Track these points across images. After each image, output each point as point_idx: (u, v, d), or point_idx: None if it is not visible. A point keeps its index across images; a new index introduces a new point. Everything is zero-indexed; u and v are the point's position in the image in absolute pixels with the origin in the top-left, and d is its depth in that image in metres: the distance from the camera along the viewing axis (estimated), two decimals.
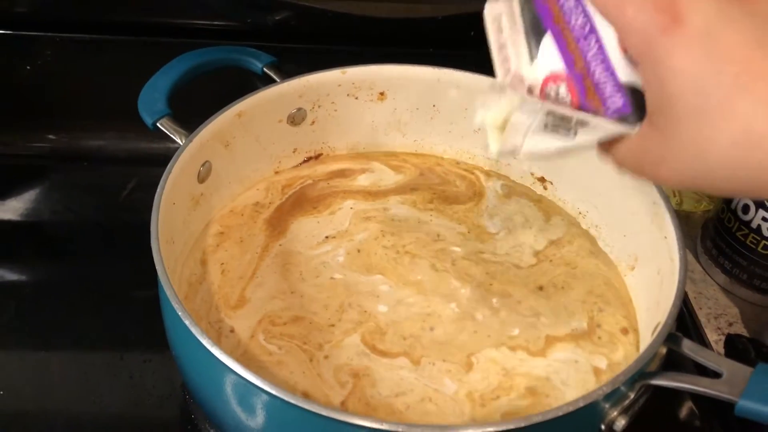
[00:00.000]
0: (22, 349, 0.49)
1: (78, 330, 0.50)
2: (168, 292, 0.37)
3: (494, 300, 0.46)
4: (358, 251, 0.49)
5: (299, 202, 0.53)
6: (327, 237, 0.50)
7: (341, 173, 0.55)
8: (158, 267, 0.39)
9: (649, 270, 0.46)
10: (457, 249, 0.50)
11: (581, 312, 0.46)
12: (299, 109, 0.53)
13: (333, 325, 0.44)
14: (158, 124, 0.48)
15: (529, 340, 0.44)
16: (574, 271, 0.49)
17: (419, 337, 0.44)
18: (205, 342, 0.35)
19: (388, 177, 0.55)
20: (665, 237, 0.43)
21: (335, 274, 0.47)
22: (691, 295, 0.53)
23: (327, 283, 0.47)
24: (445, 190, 0.55)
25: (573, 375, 0.42)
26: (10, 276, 0.54)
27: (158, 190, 0.42)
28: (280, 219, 0.51)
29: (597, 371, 0.43)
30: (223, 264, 0.48)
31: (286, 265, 0.48)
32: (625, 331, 0.45)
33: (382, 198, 0.53)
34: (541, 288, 0.47)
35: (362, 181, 0.55)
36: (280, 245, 0.49)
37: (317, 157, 0.57)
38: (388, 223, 0.51)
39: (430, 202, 0.53)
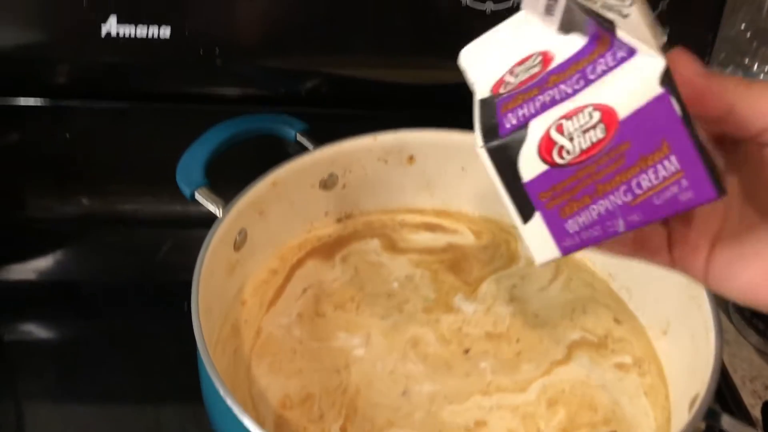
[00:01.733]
0: (63, 407, 0.50)
1: (115, 388, 0.51)
2: (209, 368, 0.38)
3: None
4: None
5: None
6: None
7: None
8: (199, 343, 0.40)
9: (682, 335, 0.46)
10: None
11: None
12: (331, 175, 0.54)
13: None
14: (196, 195, 0.49)
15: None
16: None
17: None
18: (245, 421, 0.35)
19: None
20: (699, 306, 0.43)
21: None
22: (725, 358, 0.53)
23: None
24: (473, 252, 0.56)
25: None
26: (50, 335, 0.56)
27: (197, 263, 0.44)
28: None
29: None
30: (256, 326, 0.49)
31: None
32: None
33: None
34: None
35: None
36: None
37: (348, 217, 0.58)
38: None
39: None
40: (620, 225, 0.30)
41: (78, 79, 0.57)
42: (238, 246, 0.49)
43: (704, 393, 0.37)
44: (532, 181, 0.30)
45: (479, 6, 0.53)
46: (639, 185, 0.29)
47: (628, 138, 0.28)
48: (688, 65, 0.29)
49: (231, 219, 0.47)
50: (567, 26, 0.31)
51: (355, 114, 0.59)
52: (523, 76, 0.32)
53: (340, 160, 0.54)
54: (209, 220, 0.47)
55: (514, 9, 0.52)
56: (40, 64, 0.55)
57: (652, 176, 0.29)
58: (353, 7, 0.53)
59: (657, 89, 0.27)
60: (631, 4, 0.30)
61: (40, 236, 0.63)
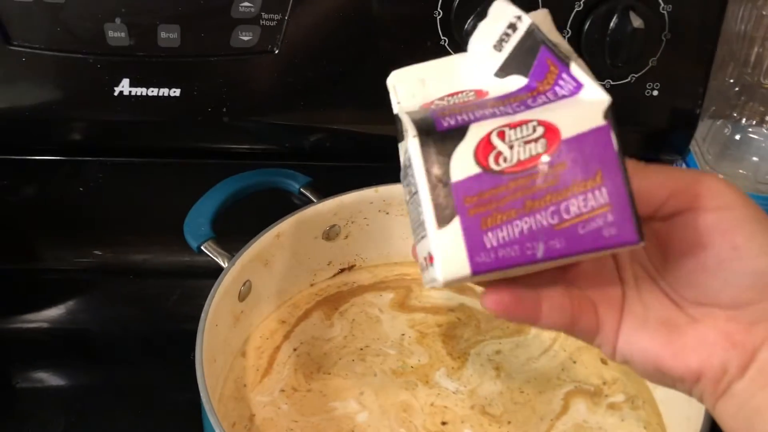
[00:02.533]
0: None
1: None
2: (212, 419, 0.39)
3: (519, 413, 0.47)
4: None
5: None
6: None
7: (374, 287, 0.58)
8: (202, 393, 0.41)
9: None
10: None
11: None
12: (333, 226, 0.56)
13: None
14: (203, 248, 0.51)
15: None
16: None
17: None
18: None
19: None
20: None
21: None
22: None
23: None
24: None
25: None
26: (60, 384, 0.57)
27: (203, 314, 0.45)
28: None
29: None
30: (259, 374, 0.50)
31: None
32: None
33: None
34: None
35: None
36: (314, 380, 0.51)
37: (350, 268, 0.59)
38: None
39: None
40: (540, 250, 0.29)
41: (91, 136, 0.60)
42: (242, 297, 0.51)
43: None
44: (461, 183, 0.29)
45: None
46: (567, 209, 0.29)
47: (566, 159, 0.29)
48: None
49: (236, 270, 0.49)
50: (509, 67, 0.31)
51: (357, 167, 0.61)
52: (455, 101, 0.32)
53: (343, 212, 0.56)
54: (216, 270, 0.49)
55: None
56: (55, 122, 0.58)
57: (582, 203, 0.29)
58: (355, 65, 0.55)
59: (600, 121, 0.28)
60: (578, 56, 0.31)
61: (52, 286, 0.65)
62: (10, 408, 0.54)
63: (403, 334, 0.53)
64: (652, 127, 0.59)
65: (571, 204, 0.29)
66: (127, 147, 0.61)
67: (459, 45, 0.54)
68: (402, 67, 0.35)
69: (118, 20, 0.52)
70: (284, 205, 0.58)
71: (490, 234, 0.29)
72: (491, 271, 0.29)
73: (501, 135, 0.29)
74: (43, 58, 0.53)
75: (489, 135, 0.29)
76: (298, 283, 0.56)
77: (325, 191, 0.56)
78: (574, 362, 0.51)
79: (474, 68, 0.33)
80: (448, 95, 0.32)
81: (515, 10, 0.32)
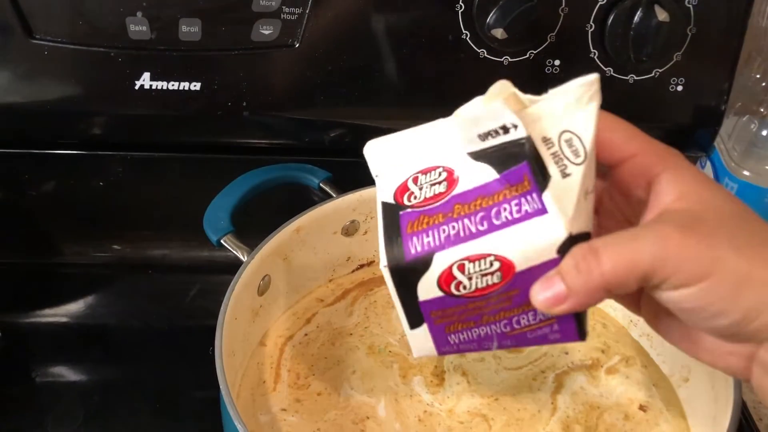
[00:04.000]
0: None
1: (141, 430, 0.52)
2: (231, 411, 0.39)
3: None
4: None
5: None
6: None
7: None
8: (222, 387, 0.40)
9: (703, 383, 0.46)
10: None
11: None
12: (353, 221, 0.55)
13: None
14: (222, 242, 0.51)
15: None
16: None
17: None
18: None
19: None
20: None
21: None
22: (749, 405, 0.53)
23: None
24: None
25: None
26: (79, 378, 0.57)
27: (222, 307, 0.45)
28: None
29: None
30: (279, 369, 0.49)
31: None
32: None
33: None
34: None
35: None
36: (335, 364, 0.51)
37: (369, 264, 0.59)
38: None
39: None
40: (494, 345, 0.35)
41: (112, 130, 0.60)
42: (261, 291, 0.50)
43: None
44: (427, 302, 0.34)
45: (497, 58, 0.54)
46: (518, 322, 0.33)
47: (519, 287, 0.32)
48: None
49: (255, 264, 0.48)
50: (485, 157, 0.33)
51: None
52: (427, 192, 0.34)
53: (362, 207, 0.55)
54: (235, 265, 0.49)
55: (531, 61, 0.54)
56: (76, 116, 0.58)
57: (531, 317, 0.33)
58: (375, 61, 0.55)
59: (553, 255, 0.31)
60: (583, 161, 0.32)
61: (71, 281, 0.65)
62: (30, 401, 0.55)
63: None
64: (675, 123, 0.59)
65: (522, 318, 0.33)
66: (147, 141, 0.61)
67: (480, 39, 0.53)
68: (376, 138, 0.37)
69: (139, 14, 0.52)
70: (303, 200, 0.58)
71: (452, 335, 0.35)
72: (455, 353, 0.36)
73: (461, 268, 0.32)
74: (64, 52, 0.53)
75: (450, 268, 0.32)
76: (316, 278, 0.56)
77: (345, 186, 0.56)
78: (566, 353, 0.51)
79: (450, 140, 0.34)
80: (421, 172, 0.35)
81: (513, 118, 0.32)
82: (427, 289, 0.33)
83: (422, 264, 0.33)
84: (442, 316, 0.34)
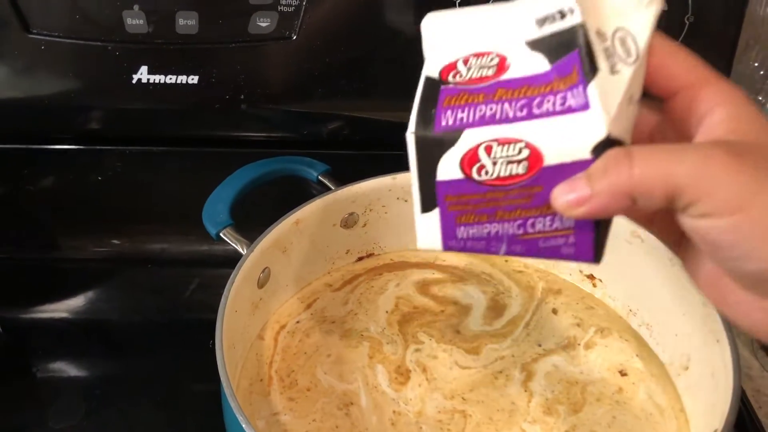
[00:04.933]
0: None
1: (142, 424, 0.52)
2: (232, 403, 0.39)
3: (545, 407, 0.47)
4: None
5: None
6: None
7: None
8: (223, 378, 0.40)
9: (702, 372, 0.46)
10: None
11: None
12: (352, 214, 0.56)
13: None
14: (221, 235, 0.51)
15: None
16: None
17: None
18: None
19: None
20: (717, 340, 0.43)
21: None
22: (749, 393, 0.53)
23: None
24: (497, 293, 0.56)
25: None
26: (80, 373, 0.57)
27: (222, 300, 0.45)
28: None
29: None
30: (277, 362, 0.50)
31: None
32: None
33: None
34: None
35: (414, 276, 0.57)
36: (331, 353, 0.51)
37: (369, 256, 0.59)
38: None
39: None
40: (502, 249, 0.33)
41: (110, 124, 0.60)
42: (261, 283, 0.50)
43: (722, 428, 0.37)
44: (444, 183, 0.32)
45: None
46: (533, 225, 0.31)
47: (543, 183, 0.30)
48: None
49: (255, 257, 0.49)
50: (540, 45, 0.32)
51: (375, 155, 0.61)
52: (474, 73, 0.32)
53: (361, 199, 0.55)
54: (234, 259, 0.49)
55: None
56: (74, 111, 0.58)
57: (548, 222, 0.31)
58: (373, 53, 0.55)
59: (587, 155, 0.29)
60: (634, 61, 0.31)
61: (71, 276, 0.65)
62: (31, 396, 0.55)
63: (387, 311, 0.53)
64: None
65: (538, 221, 0.31)
66: (145, 135, 0.61)
67: None
68: (437, 12, 0.35)
69: (136, 7, 0.52)
70: (302, 193, 0.58)
71: (462, 228, 0.33)
72: (459, 251, 0.34)
73: (488, 149, 0.31)
74: (61, 46, 0.53)
75: (477, 147, 0.31)
76: (315, 270, 0.56)
77: (343, 179, 0.55)
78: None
79: (509, 25, 0.33)
80: (474, 55, 0.33)
81: (570, 2, 0.31)
82: (449, 168, 0.32)
83: (450, 138, 0.31)
84: (456, 202, 0.32)
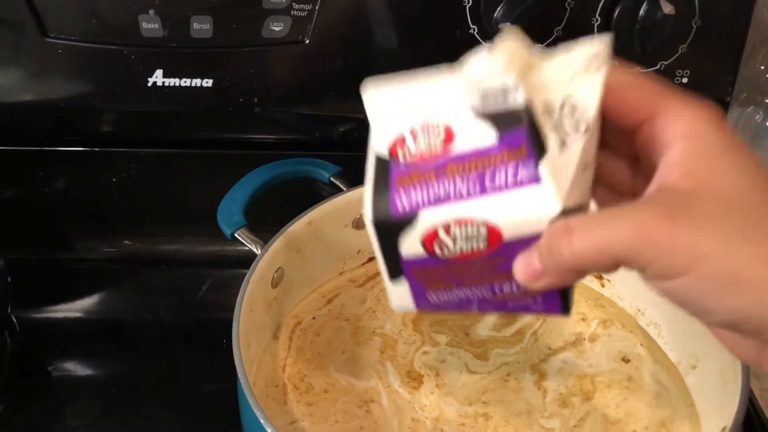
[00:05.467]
0: None
1: (157, 423, 0.53)
2: (250, 400, 0.40)
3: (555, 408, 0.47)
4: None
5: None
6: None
7: None
8: (240, 376, 0.41)
9: (711, 370, 0.46)
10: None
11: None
12: (363, 215, 0.56)
13: None
14: (236, 235, 0.51)
15: None
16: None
17: None
18: None
19: None
20: None
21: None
22: (756, 392, 0.53)
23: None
24: None
25: None
26: (95, 372, 0.58)
27: (238, 299, 0.46)
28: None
29: None
30: (289, 365, 0.50)
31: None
32: None
33: None
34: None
35: None
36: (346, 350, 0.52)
37: None
38: None
39: None
40: (474, 308, 0.33)
41: (124, 127, 0.61)
42: (275, 283, 0.51)
43: (731, 426, 0.37)
44: (409, 259, 0.32)
45: None
46: (500, 289, 0.32)
47: (504, 255, 0.31)
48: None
49: (269, 257, 0.49)
50: (486, 117, 0.31)
51: None
52: (423, 147, 0.32)
53: None
54: (246, 259, 0.50)
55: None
56: (89, 113, 0.59)
57: (515, 287, 0.32)
58: (384, 56, 0.56)
59: (543, 228, 0.29)
60: (585, 132, 0.30)
61: (86, 276, 0.66)
62: (48, 394, 0.55)
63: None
64: None
65: (504, 286, 0.32)
66: (159, 138, 0.62)
67: (488, 33, 0.54)
68: (377, 81, 0.34)
69: (151, 12, 0.52)
70: (314, 194, 0.58)
71: (433, 294, 0.34)
72: (433, 311, 0.35)
73: (447, 229, 0.31)
74: (78, 50, 0.54)
75: (436, 228, 0.31)
76: (328, 270, 0.57)
77: (355, 181, 0.56)
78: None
79: (453, 95, 0.32)
80: (420, 127, 0.32)
81: (511, 80, 0.30)
82: (411, 246, 0.32)
83: (407, 221, 0.31)
84: (423, 274, 0.33)
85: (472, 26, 0.54)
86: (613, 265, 0.28)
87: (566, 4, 0.53)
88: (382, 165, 0.33)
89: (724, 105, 0.58)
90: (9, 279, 0.57)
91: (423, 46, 0.56)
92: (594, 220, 0.29)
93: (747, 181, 0.28)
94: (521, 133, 0.30)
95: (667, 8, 0.51)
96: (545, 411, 0.47)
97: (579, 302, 0.55)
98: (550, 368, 0.50)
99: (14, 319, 0.60)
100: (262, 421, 0.38)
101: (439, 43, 0.55)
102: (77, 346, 0.59)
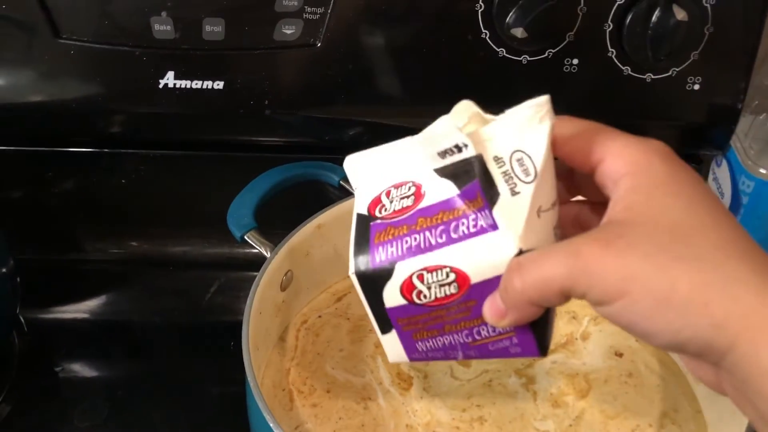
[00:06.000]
0: None
1: (163, 425, 0.53)
2: (259, 402, 0.40)
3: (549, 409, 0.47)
4: None
5: None
6: None
7: None
8: (249, 377, 0.41)
9: None
10: None
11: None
12: None
13: None
14: (246, 237, 0.51)
15: None
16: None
17: None
18: None
19: None
20: None
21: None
22: None
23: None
24: None
25: None
26: (102, 373, 0.58)
27: (248, 302, 0.46)
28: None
29: None
30: (293, 367, 0.50)
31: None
32: None
33: None
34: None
35: None
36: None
37: None
38: None
39: None
40: (459, 355, 0.36)
41: (135, 128, 0.61)
42: (284, 286, 0.51)
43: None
44: (393, 309, 0.36)
45: (516, 57, 0.55)
46: (479, 333, 0.35)
47: (475, 297, 0.34)
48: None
49: (279, 260, 0.49)
50: (447, 173, 0.35)
51: None
52: (396, 205, 0.36)
53: None
54: (254, 262, 0.50)
55: (549, 60, 0.55)
56: (100, 114, 0.59)
57: (491, 329, 0.35)
58: (395, 61, 0.56)
59: (504, 269, 0.32)
60: (533, 179, 0.33)
61: (93, 278, 0.66)
62: (55, 395, 0.56)
63: None
64: (691, 121, 0.59)
65: (482, 329, 0.35)
66: (170, 139, 0.62)
67: (500, 38, 0.54)
68: (356, 153, 0.39)
69: (164, 14, 0.53)
70: (324, 198, 0.58)
71: (420, 343, 0.37)
72: (424, 361, 0.38)
73: (420, 277, 0.34)
74: (90, 51, 0.54)
75: (411, 277, 0.34)
76: (336, 273, 0.57)
77: None
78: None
79: (418, 157, 0.36)
80: (394, 186, 0.37)
81: (462, 138, 0.34)
82: (392, 296, 0.35)
83: (386, 272, 0.35)
84: (408, 323, 0.36)
85: (483, 31, 0.54)
86: (559, 295, 0.30)
87: (578, 9, 0.53)
88: (363, 223, 0.37)
89: (736, 112, 0.58)
90: (18, 279, 0.57)
91: (434, 51, 0.55)
92: (540, 254, 0.31)
93: (684, 207, 0.30)
94: (475, 185, 0.33)
95: (680, 15, 0.51)
96: (538, 413, 0.47)
97: (571, 302, 0.54)
98: (537, 372, 0.50)
99: (22, 320, 0.61)
100: (271, 425, 0.38)
101: (450, 47, 0.55)
102: (85, 347, 0.60)
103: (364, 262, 0.35)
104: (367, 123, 0.59)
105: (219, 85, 0.55)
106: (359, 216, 0.37)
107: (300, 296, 0.54)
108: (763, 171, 0.58)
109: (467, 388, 0.49)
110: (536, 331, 0.34)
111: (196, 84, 0.55)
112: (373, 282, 0.35)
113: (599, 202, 0.34)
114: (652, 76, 0.56)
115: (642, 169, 0.31)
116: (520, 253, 0.32)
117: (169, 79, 0.55)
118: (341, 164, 0.59)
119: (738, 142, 0.60)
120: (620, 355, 0.50)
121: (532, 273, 0.30)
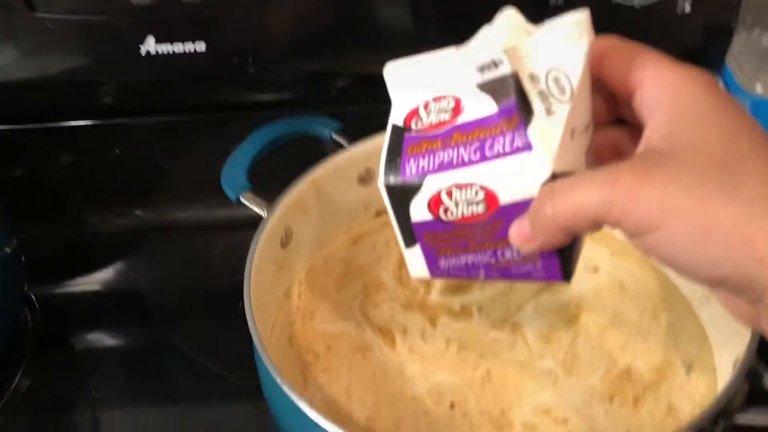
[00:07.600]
0: (132, 408, 0.53)
1: (178, 389, 0.54)
2: (264, 358, 0.40)
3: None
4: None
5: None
6: None
7: None
8: (254, 334, 0.42)
9: None
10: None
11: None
12: (368, 170, 0.56)
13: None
14: (241, 198, 0.51)
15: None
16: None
17: None
18: (302, 406, 0.38)
19: None
20: None
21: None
22: None
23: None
24: None
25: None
26: (116, 342, 0.59)
27: (248, 260, 0.46)
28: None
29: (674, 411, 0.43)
30: (300, 324, 0.51)
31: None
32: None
33: None
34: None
35: None
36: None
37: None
38: None
39: None
40: (481, 274, 0.36)
41: (123, 98, 0.60)
42: (284, 243, 0.51)
43: (745, 352, 0.38)
44: (419, 224, 0.36)
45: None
46: (503, 254, 0.35)
47: (503, 218, 0.33)
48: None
49: (276, 218, 0.49)
50: (487, 88, 0.33)
51: (388, 110, 0.61)
52: (433, 118, 0.35)
53: (376, 154, 0.54)
54: (255, 221, 0.50)
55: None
56: (86, 87, 0.58)
57: (515, 252, 0.34)
58: (381, 6, 0.55)
59: (536, 191, 0.32)
60: (569, 99, 0.32)
61: (100, 249, 0.66)
62: (71, 367, 0.57)
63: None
64: (685, 44, 0.58)
65: (506, 251, 0.34)
66: (157, 106, 0.61)
67: None
68: (397, 60, 0.37)
69: None
70: (317, 153, 0.58)
71: (443, 259, 0.37)
72: (445, 278, 0.38)
73: (449, 194, 0.34)
74: (68, 24, 0.53)
75: (439, 193, 0.34)
76: (335, 228, 0.57)
77: (357, 136, 0.56)
78: None
79: (459, 70, 0.34)
80: (433, 99, 0.35)
81: (498, 54, 0.32)
82: (419, 210, 0.35)
83: (415, 185, 0.34)
84: (432, 239, 0.36)
85: None
86: (592, 223, 0.29)
87: None
88: (397, 134, 0.36)
89: (729, 31, 0.57)
90: (23, 257, 0.58)
91: None
92: (574, 181, 0.30)
93: (726, 138, 0.29)
94: (511, 102, 0.32)
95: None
96: (534, 354, 0.46)
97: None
98: (522, 319, 0.49)
99: (33, 297, 0.61)
100: (277, 380, 0.39)
101: None
102: (96, 318, 0.60)
103: (394, 173, 0.35)
104: (354, 74, 0.58)
105: (201, 46, 0.54)
106: (394, 127, 0.36)
107: (302, 252, 0.54)
108: (759, 88, 0.57)
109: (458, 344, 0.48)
110: (563, 257, 0.33)
111: (178, 48, 0.54)
112: (401, 194, 0.35)
113: (640, 129, 0.33)
114: (641, 3, 0.54)
115: (681, 97, 0.30)
116: (553, 176, 0.31)
117: (150, 45, 0.54)
118: (332, 117, 0.59)
119: (733, 60, 0.59)
120: (596, 270, 0.50)
121: (566, 199, 0.30)
